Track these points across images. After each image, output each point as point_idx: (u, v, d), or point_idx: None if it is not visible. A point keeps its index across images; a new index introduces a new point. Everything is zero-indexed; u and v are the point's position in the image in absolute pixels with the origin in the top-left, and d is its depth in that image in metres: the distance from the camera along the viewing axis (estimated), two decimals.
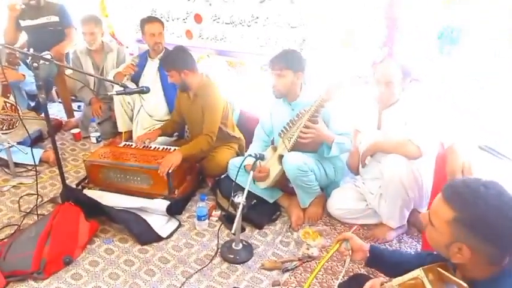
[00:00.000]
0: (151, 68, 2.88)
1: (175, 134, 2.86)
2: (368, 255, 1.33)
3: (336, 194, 2.19)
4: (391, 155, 1.90)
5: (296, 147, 2.07)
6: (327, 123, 2.11)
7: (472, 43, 2.07)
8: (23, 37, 3.36)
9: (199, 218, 2.13)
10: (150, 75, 2.87)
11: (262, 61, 2.78)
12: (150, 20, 2.82)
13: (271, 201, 2.27)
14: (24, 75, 2.88)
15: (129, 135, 2.95)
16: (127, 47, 3.47)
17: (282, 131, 2.15)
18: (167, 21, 3.19)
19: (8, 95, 2.85)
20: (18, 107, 2.79)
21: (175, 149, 2.37)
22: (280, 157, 2.12)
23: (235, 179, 2.04)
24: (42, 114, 2.93)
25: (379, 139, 2.00)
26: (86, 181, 2.41)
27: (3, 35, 3.26)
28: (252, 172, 1.96)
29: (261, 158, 2.03)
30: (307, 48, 2.64)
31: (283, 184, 2.25)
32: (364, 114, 2.12)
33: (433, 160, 1.89)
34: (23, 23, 3.20)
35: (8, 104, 2.83)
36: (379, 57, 2.41)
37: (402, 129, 1.92)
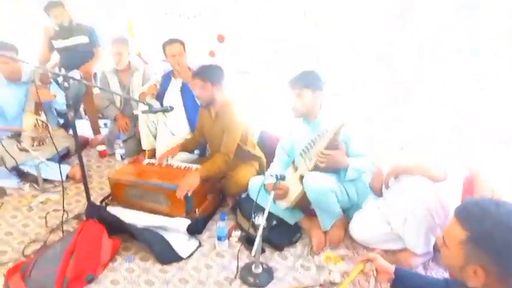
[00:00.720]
0: (175, 87, 2.95)
1: (197, 152, 2.90)
2: (393, 277, 1.33)
3: (358, 217, 2.14)
4: (415, 177, 1.84)
5: (317, 167, 2.05)
6: (347, 144, 2.09)
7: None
8: (55, 57, 3.53)
9: (220, 238, 2.12)
10: (174, 95, 2.94)
11: (283, 80, 2.80)
12: (170, 41, 2.87)
13: (292, 222, 2.24)
14: (55, 95, 3.01)
15: (153, 153, 3.01)
16: (152, 67, 3.57)
17: (303, 150, 2.14)
18: (191, 41, 3.27)
19: (40, 112, 2.98)
20: (48, 125, 2.91)
21: (196, 168, 2.40)
22: (301, 177, 2.10)
23: (256, 199, 2.03)
24: (70, 131, 3.05)
25: (403, 160, 1.95)
26: (110, 198, 2.46)
27: (38, 56, 3.44)
28: (272, 192, 1.95)
29: (282, 178, 2.02)
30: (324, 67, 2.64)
31: (304, 205, 2.22)
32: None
33: (460, 183, 1.82)
34: (55, 44, 3.37)
35: (39, 122, 2.96)
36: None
37: (426, 151, 1.87)
